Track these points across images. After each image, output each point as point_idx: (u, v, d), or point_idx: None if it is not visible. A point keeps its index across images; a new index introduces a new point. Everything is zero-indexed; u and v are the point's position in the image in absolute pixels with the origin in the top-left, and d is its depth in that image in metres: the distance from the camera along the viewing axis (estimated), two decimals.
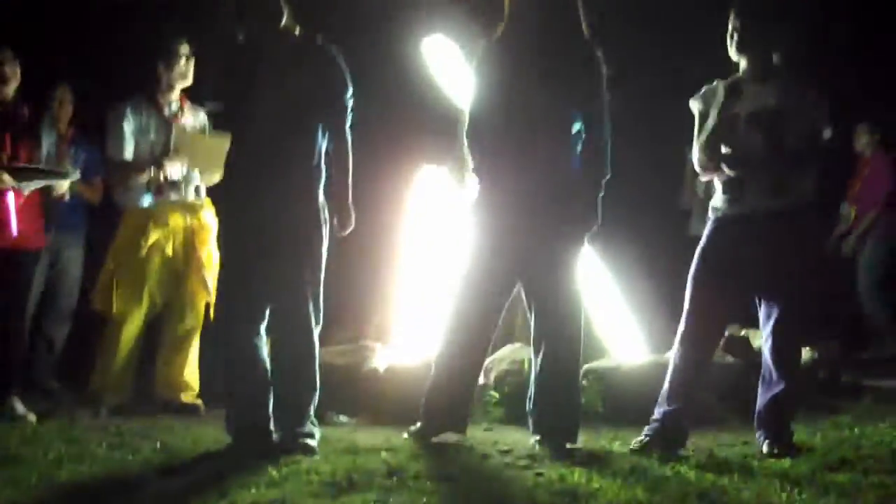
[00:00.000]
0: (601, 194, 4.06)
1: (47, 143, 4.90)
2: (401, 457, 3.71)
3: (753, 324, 4.45)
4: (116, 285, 5.14)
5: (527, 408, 4.16)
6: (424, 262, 5.75)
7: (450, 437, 4.12)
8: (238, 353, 3.99)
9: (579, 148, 4.07)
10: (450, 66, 5.64)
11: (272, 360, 3.99)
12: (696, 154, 4.18)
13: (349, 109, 4.05)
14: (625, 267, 5.71)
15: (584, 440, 4.13)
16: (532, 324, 4.12)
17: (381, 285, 5.96)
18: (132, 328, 5.16)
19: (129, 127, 5.15)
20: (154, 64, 5.25)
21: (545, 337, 4.06)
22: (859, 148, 7.20)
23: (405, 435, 4.08)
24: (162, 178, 5.14)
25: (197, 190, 5.25)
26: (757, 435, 4.07)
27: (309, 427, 3.96)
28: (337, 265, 4.16)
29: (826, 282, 4.30)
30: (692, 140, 4.23)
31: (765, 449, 3.95)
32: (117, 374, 5.14)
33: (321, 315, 4.01)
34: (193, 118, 5.31)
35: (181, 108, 5.28)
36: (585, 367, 5.08)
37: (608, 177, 4.06)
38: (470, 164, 4.19)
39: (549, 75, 4.00)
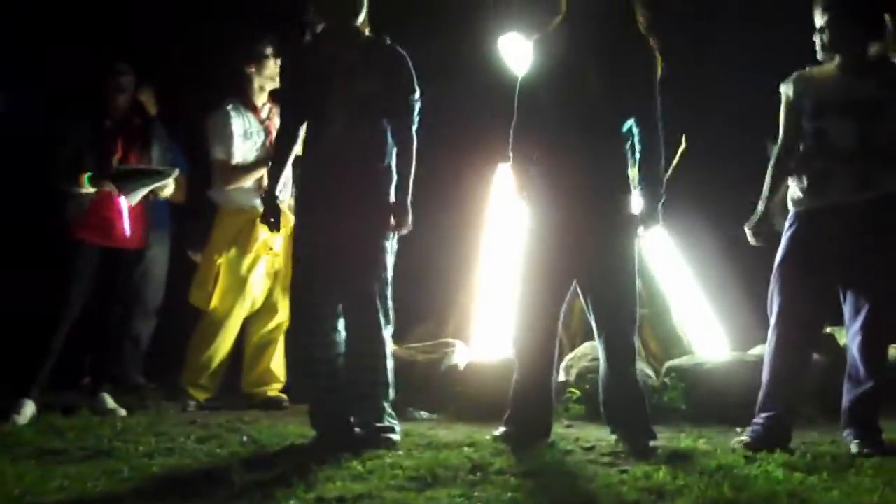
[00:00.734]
0: (661, 200, 4.02)
1: (158, 150, 5.10)
2: (483, 453, 3.72)
3: (838, 321, 4.37)
4: (220, 283, 5.23)
5: (600, 405, 4.15)
6: (503, 260, 5.75)
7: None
8: (313, 351, 4.05)
9: (630, 145, 4.04)
10: (526, 63, 5.64)
11: (345, 358, 4.04)
12: (783, 146, 4.13)
13: (415, 111, 4.08)
14: (706, 263, 5.65)
15: (666, 438, 4.10)
16: (592, 320, 4.10)
17: (462, 283, 5.97)
18: (231, 326, 5.24)
19: (237, 129, 5.24)
20: (237, 66, 5.33)
21: (601, 332, 4.04)
22: None
23: (488, 437, 4.07)
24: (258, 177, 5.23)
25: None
26: (845, 434, 4.01)
27: (388, 422, 4.00)
28: (417, 263, 4.20)
29: None
30: (776, 129, 4.18)
31: (854, 448, 3.89)
32: (209, 371, 5.23)
33: (391, 314, 4.04)
34: None
35: (272, 109, 5.34)
36: (667, 364, 5.07)
37: (664, 185, 4.03)
38: (511, 150, 4.17)
39: (600, 69, 3.96)
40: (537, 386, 4.09)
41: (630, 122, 4.01)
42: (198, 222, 5.55)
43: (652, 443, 3.95)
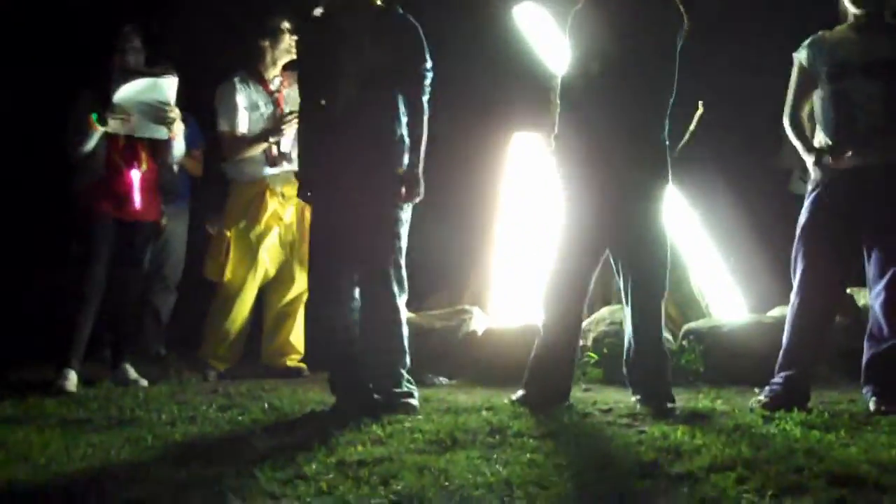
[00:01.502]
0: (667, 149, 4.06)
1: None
2: (502, 416, 3.75)
3: (858, 282, 4.37)
4: (232, 254, 5.27)
5: (623, 368, 4.17)
6: (519, 228, 5.77)
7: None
8: (332, 321, 4.08)
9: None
10: (541, 32, 5.63)
11: (361, 325, 4.07)
12: (792, 112, 4.12)
13: (427, 81, 4.07)
14: (723, 226, 5.64)
15: (684, 399, 4.12)
16: (621, 286, 4.11)
17: (478, 250, 6.00)
18: (246, 297, 5.30)
19: (241, 101, 5.28)
20: (252, 39, 5.35)
21: (632, 297, 4.04)
22: None
23: (506, 400, 4.10)
24: (275, 150, 5.26)
25: None
26: (864, 391, 4.02)
27: (407, 387, 4.03)
28: (434, 231, 4.22)
29: None
30: (787, 97, 4.17)
31: (872, 405, 3.90)
32: (227, 342, 5.30)
33: (405, 283, 4.05)
34: (295, 91, 5.38)
35: (283, 82, 5.37)
36: (685, 327, 5.08)
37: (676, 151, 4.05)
38: (558, 118, 4.15)
39: (640, 36, 3.97)
40: (561, 351, 4.11)
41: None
42: (215, 196, 5.59)
43: (670, 405, 3.97)
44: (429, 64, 4.07)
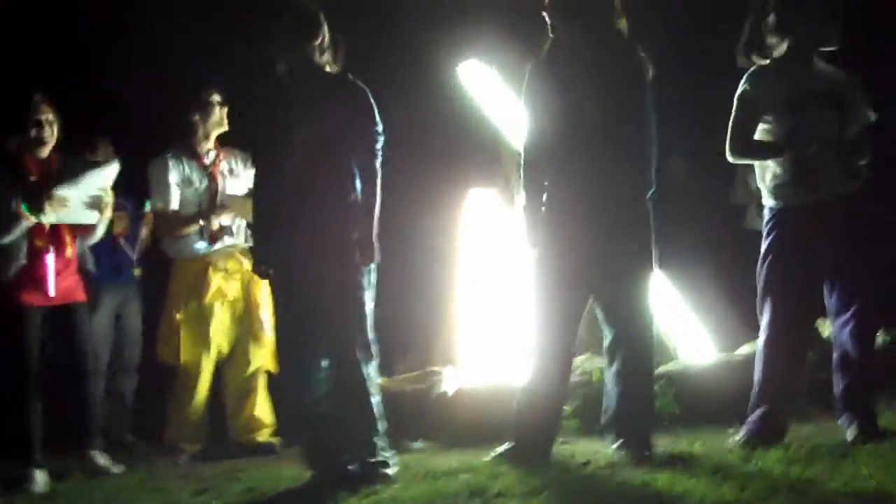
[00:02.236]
0: (648, 196, 4.03)
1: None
2: (480, 477, 3.71)
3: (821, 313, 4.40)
4: (182, 335, 5.20)
5: (602, 419, 4.14)
6: (482, 284, 5.76)
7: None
8: (300, 394, 4.04)
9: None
10: (487, 89, 5.68)
11: (331, 397, 4.02)
12: (738, 141, 4.13)
13: (378, 145, 4.06)
14: (682, 266, 5.67)
15: (663, 444, 4.10)
16: (606, 335, 4.08)
17: (443, 308, 5.98)
18: (203, 376, 5.22)
19: (173, 178, 5.22)
20: (184, 113, 5.31)
21: (620, 348, 4.02)
22: None
23: (488, 457, 4.04)
24: (215, 224, 5.21)
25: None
26: (840, 422, 4.02)
27: (382, 455, 3.97)
28: (398, 294, 4.20)
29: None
30: (730, 130, 4.18)
31: (850, 435, 3.91)
32: (192, 423, 5.21)
33: (373, 349, 4.01)
34: (230, 163, 5.35)
35: (218, 155, 5.33)
36: (656, 372, 5.07)
37: (653, 183, 4.02)
38: (523, 188, 4.11)
39: (601, 88, 3.96)
40: (547, 406, 4.06)
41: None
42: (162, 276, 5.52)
43: (648, 452, 3.93)
44: (380, 128, 4.07)
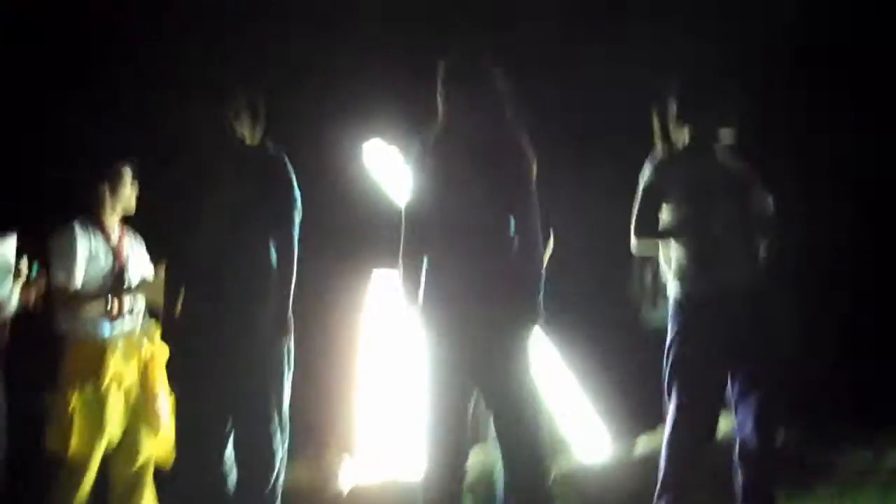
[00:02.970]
0: (541, 292, 3.96)
1: None
2: None
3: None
4: (76, 423, 4.80)
5: None
6: (382, 371, 5.65)
7: None
8: (204, 477, 3.92)
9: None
10: (392, 169, 5.64)
11: (237, 484, 3.91)
12: (641, 227, 4.14)
13: (295, 218, 3.99)
14: (580, 360, 5.65)
15: None
16: (492, 425, 3.99)
17: (342, 396, 5.83)
18: (92, 468, 4.84)
19: (81, 252, 4.86)
20: (90, 182, 4.99)
21: (504, 437, 3.94)
22: None
23: None
24: (116, 307, 4.96)
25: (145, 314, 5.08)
26: None
27: None
28: (295, 378, 4.08)
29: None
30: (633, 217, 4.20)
31: None
32: None
33: (286, 427, 3.93)
34: (132, 242, 5.13)
35: (122, 232, 5.06)
36: (554, 472, 4.99)
37: (543, 274, 3.98)
38: (399, 268, 4.05)
39: (481, 175, 3.91)
40: (445, 496, 3.94)
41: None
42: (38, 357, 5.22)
43: None
44: (298, 202, 3.99)
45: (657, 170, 4.15)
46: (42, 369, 5.08)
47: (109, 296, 4.89)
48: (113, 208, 5.01)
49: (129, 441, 4.96)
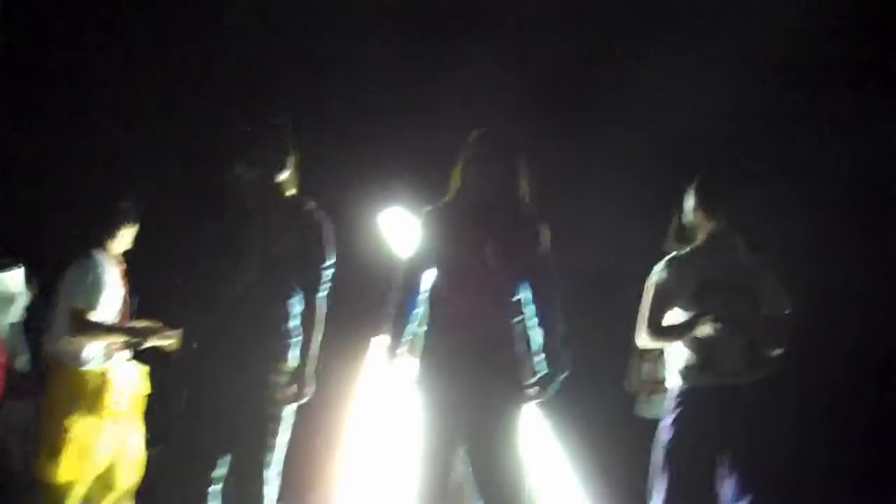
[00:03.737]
0: (564, 373, 3.98)
1: None
2: None
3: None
4: (68, 452, 4.78)
5: None
6: (374, 433, 5.62)
7: None
8: None
9: (524, 316, 4.02)
10: (407, 237, 5.67)
11: None
12: (650, 326, 4.16)
13: (328, 276, 4.02)
14: (571, 445, 5.62)
15: None
16: (476, 490, 3.96)
17: (330, 456, 5.79)
18: (77, 495, 4.82)
19: (101, 281, 4.88)
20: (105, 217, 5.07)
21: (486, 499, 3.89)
22: None
23: None
24: (118, 341, 4.96)
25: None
26: None
27: None
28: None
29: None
30: (644, 315, 4.23)
31: None
32: None
33: (277, 483, 3.92)
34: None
35: (123, 267, 5.10)
36: None
37: (566, 371, 3.99)
38: (386, 323, 4.08)
39: (491, 242, 3.96)
40: None
41: (519, 297, 3.99)
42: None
43: None
44: (331, 261, 4.02)
45: (666, 270, 4.23)
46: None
47: (125, 331, 4.91)
48: (118, 247, 5.08)
49: (106, 477, 4.92)
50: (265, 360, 3.91)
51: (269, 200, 4.03)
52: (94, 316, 4.87)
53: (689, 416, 4.07)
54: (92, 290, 4.89)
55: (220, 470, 3.89)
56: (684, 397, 4.11)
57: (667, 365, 4.28)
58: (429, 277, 4.04)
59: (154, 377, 5.06)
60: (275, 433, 3.90)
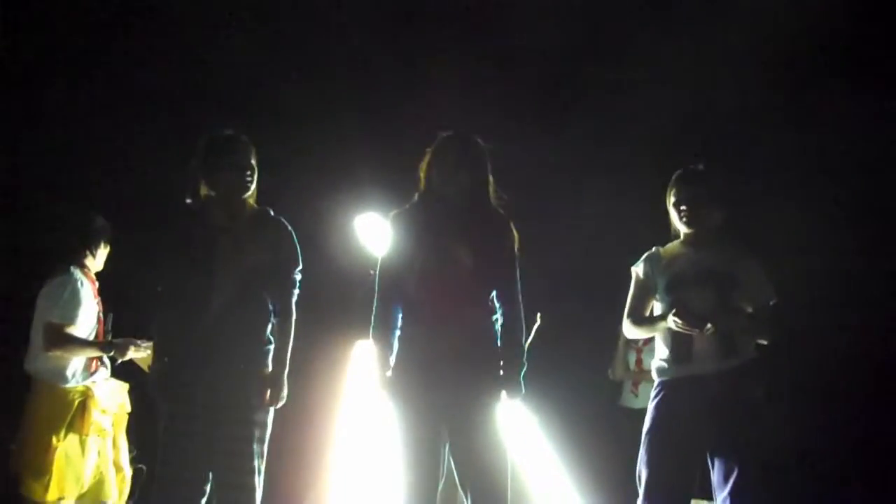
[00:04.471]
0: (524, 367, 4.03)
1: None
2: None
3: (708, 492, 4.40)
4: (55, 470, 4.79)
5: None
6: (359, 438, 5.65)
7: None
8: None
9: (497, 317, 4.07)
10: (382, 242, 5.69)
11: None
12: (631, 316, 4.24)
13: (297, 284, 4.07)
14: (559, 436, 5.67)
15: None
16: (460, 486, 3.99)
17: (316, 461, 5.82)
18: None
19: (79, 296, 4.90)
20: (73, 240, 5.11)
21: (472, 499, 3.93)
22: None
23: None
24: (97, 358, 4.98)
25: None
26: None
27: None
28: (271, 441, 4.08)
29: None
30: (627, 306, 4.30)
31: None
32: None
33: (258, 492, 3.92)
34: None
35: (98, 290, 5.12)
36: None
37: (525, 360, 4.04)
38: (372, 328, 4.08)
39: (462, 244, 4.01)
40: None
41: (493, 295, 4.04)
42: None
43: None
44: (300, 267, 4.07)
45: (645, 264, 4.33)
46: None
47: (103, 347, 4.94)
48: (95, 261, 5.10)
49: (97, 488, 4.97)
50: (246, 368, 3.95)
51: (234, 215, 4.07)
52: (72, 331, 4.89)
53: (668, 406, 4.13)
54: (69, 306, 4.91)
55: (206, 482, 3.91)
56: (662, 388, 4.18)
57: (652, 356, 4.35)
58: (404, 280, 4.07)
59: (135, 394, 5.09)
60: (261, 440, 3.95)
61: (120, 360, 5.00)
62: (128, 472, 5.01)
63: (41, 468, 4.83)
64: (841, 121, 6.15)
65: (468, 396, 3.94)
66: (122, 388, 5.10)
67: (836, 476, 6.84)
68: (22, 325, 5.09)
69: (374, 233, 5.73)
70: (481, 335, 4.02)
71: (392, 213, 4.19)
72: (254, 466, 3.91)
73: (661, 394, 4.17)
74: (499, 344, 4.04)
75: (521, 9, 6.52)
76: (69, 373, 4.94)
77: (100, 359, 4.98)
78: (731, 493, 4.01)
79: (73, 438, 4.88)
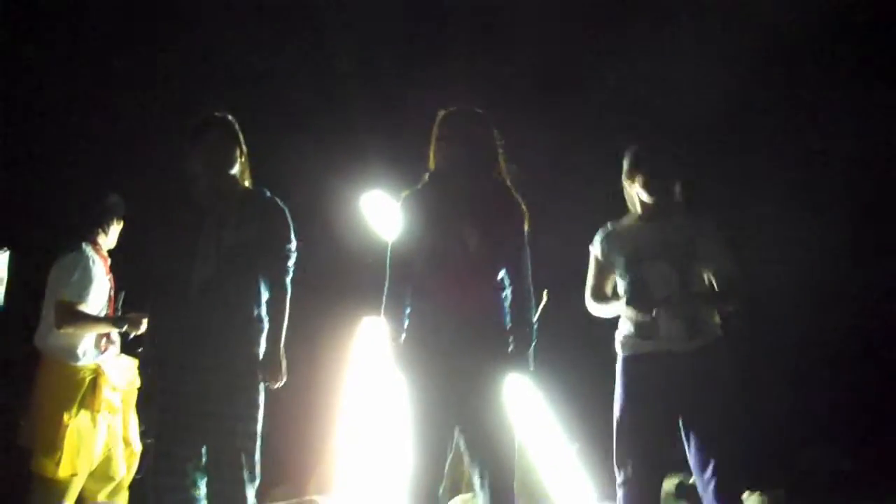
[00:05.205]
0: (533, 342, 4.05)
1: None
2: None
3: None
4: (67, 446, 4.79)
5: None
6: (365, 414, 5.68)
7: None
8: None
9: (506, 294, 4.07)
10: (388, 220, 5.72)
11: None
12: (593, 295, 4.27)
13: (290, 261, 4.06)
14: (566, 413, 5.69)
15: None
16: (470, 467, 4.00)
17: (323, 437, 5.86)
18: (74, 489, 4.87)
19: (91, 273, 4.91)
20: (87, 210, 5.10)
21: (482, 484, 3.93)
22: None
23: None
24: (107, 336, 5.01)
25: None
26: None
27: None
28: (277, 417, 4.11)
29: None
30: (587, 285, 4.33)
31: None
32: None
33: (257, 470, 3.91)
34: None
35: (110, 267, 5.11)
36: None
37: (534, 334, 4.05)
38: (383, 313, 4.07)
39: (473, 222, 4.00)
40: None
41: (503, 272, 4.05)
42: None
43: None
44: (293, 245, 4.06)
45: (601, 242, 4.30)
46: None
47: (115, 322, 4.95)
48: (107, 238, 5.12)
49: (104, 466, 4.99)
50: (233, 348, 3.94)
51: (222, 194, 4.07)
52: (83, 308, 4.90)
53: (633, 383, 4.12)
54: (81, 283, 4.91)
55: (201, 458, 3.91)
56: (625, 365, 4.17)
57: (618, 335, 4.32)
58: (414, 261, 4.08)
59: None
60: (253, 419, 3.94)
61: (133, 335, 5.00)
62: (137, 446, 5.02)
63: (53, 445, 4.83)
64: (834, 116, 6.15)
65: (478, 372, 3.95)
66: (132, 364, 5.12)
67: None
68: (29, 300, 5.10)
69: (380, 210, 5.75)
70: (491, 312, 4.02)
71: (402, 195, 4.17)
72: (246, 445, 3.89)
73: (624, 368, 4.15)
74: (508, 321, 4.05)
75: None
76: (80, 351, 4.94)
77: (109, 336, 5.00)
78: (713, 475, 3.98)
79: (84, 415, 4.89)
